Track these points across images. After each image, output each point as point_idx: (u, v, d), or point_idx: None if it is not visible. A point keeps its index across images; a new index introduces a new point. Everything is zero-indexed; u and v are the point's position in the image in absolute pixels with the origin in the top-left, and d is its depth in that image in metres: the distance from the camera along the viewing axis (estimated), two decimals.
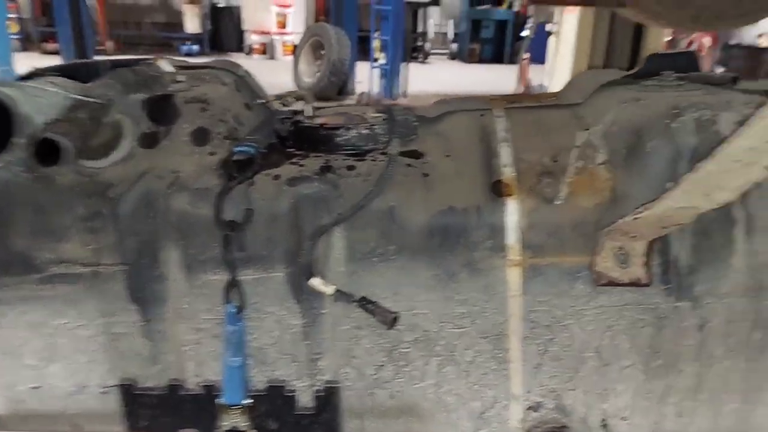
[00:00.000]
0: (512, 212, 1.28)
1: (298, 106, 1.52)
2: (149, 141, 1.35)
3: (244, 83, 1.59)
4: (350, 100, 10.07)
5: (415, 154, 1.38)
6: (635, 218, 1.13)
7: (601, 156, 1.31)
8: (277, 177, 1.31)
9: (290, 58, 12.92)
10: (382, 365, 1.35)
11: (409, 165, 1.34)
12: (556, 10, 4.67)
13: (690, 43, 9.52)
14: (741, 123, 1.23)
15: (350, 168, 1.33)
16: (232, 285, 1.29)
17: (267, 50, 14.48)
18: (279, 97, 1.49)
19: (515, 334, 1.31)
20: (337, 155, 1.37)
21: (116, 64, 1.40)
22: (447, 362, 1.34)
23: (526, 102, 1.55)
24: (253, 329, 1.34)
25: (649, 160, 1.26)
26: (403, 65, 10.60)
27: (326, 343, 1.35)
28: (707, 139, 1.23)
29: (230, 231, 1.27)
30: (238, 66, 1.69)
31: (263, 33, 14.42)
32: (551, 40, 4.85)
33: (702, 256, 1.27)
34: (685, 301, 1.29)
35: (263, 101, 1.50)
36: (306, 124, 1.44)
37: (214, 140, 1.38)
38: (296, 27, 14.14)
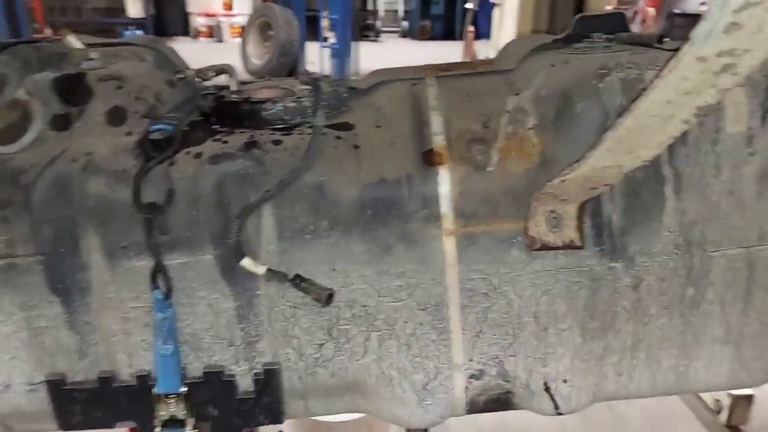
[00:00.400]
0: (444, 181, 1.26)
1: (221, 80, 1.46)
2: (61, 123, 1.28)
3: (166, 60, 1.53)
4: None
5: (346, 126, 1.34)
6: (562, 180, 1.12)
7: (531, 120, 1.29)
8: (198, 155, 1.26)
9: (238, 40, 12.67)
10: (323, 344, 1.32)
11: (339, 137, 1.31)
12: None
13: (635, 14, 9.66)
14: None
15: (276, 143, 1.29)
16: (158, 270, 1.24)
17: (214, 33, 14.15)
18: (199, 72, 1.43)
19: (454, 304, 1.30)
20: (262, 130, 1.32)
21: (20, 42, 1.32)
22: (388, 336, 1.32)
23: (460, 70, 1.53)
24: (184, 315, 1.29)
25: (578, 121, 1.25)
26: (354, 44, 10.50)
27: (263, 325, 1.31)
28: (634, 98, 1.22)
29: (151, 214, 1.21)
30: (160, 42, 1.62)
31: (209, 15, 14.08)
32: (495, 12, 4.85)
33: (634, 216, 1.27)
34: (619, 261, 1.29)
35: (186, 77, 1.44)
36: (230, 99, 1.39)
37: (131, 120, 1.32)
38: (243, 8, 13.85)
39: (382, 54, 12.57)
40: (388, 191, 1.25)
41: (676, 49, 1.29)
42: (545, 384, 1.36)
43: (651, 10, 9.81)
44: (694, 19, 9.89)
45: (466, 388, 1.37)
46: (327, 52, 10.44)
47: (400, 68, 1.61)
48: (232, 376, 1.33)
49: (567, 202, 1.23)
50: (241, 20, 13.74)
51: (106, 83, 1.33)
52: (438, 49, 13.31)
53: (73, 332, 1.30)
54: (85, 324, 1.30)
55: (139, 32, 13.60)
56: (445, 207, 1.26)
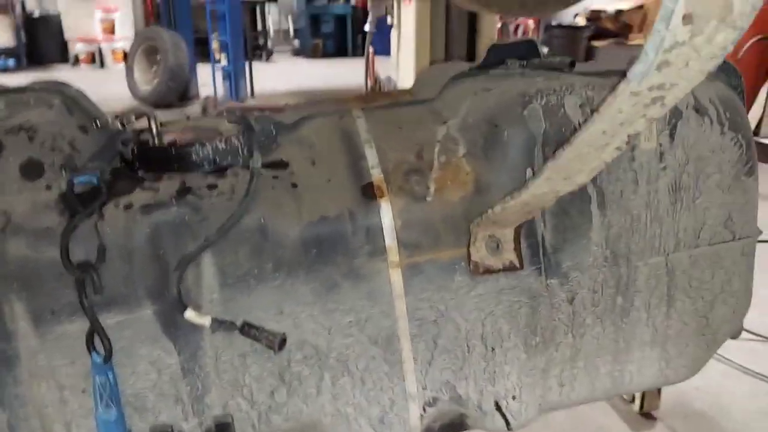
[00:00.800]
0: (386, 214, 1.27)
1: (141, 124, 1.39)
2: None
3: (76, 103, 1.44)
4: (195, 105, 9.66)
5: (280, 165, 1.32)
6: (503, 207, 1.17)
7: (461, 149, 1.34)
8: (128, 206, 1.20)
9: (122, 65, 12.13)
10: (275, 389, 1.29)
11: (275, 177, 1.29)
12: (394, 3, 4.81)
13: (516, 27, 10.19)
14: (583, 105, 1.32)
15: (211, 187, 1.25)
16: (95, 332, 1.16)
17: (95, 59, 13.47)
18: (118, 117, 1.36)
19: (404, 335, 1.31)
20: (194, 174, 1.28)
21: None
22: (341, 374, 1.31)
23: (381, 100, 1.55)
24: (125, 376, 1.22)
25: (506, 148, 1.30)
26: (246, 65, 10.35)
27: (210, 377, 1.26)
28: (556, 122, 1.30)
29: (82, 273, 1.14)
30: (65, 85, 1.53)
31: (89, 41, 13.38)
32: (393, 33, 4.97)
33: (564, 235, 1.34)
34: (554, 278, 1.36)
35: (101, 121, 1.36)
36: (155, 144, 1.33)
37: (49, 172, 1.23)
38: (125, 32, 13.29)
39: (277, 74, 12.46)
40: (331, 228, 1.25)
41: (590, 74, 1.37)
42: (496, 403, 1.40)
43: (531, 23, 10.39)
44: (569, 30, 10.55)
45: (421, 416, 1.38)
46: (220, 73, 10.21)
47: (319, 101, 1.61)
48: None
49: (504, 227, 1.28)
50: (123, 45, 13.16)
51: (17, 135, 1.24)
52: (331, 66, 13.39)
53: (1, 407, 1.19)
54: (14, 398, 1.20)
55: (11, 62, 12.68)
56: (389, 239, 1.27)
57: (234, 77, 10.20)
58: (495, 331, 1.35)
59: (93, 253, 1.15)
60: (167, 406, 1.26)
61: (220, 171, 1.30)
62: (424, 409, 1.38)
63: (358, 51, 15.01)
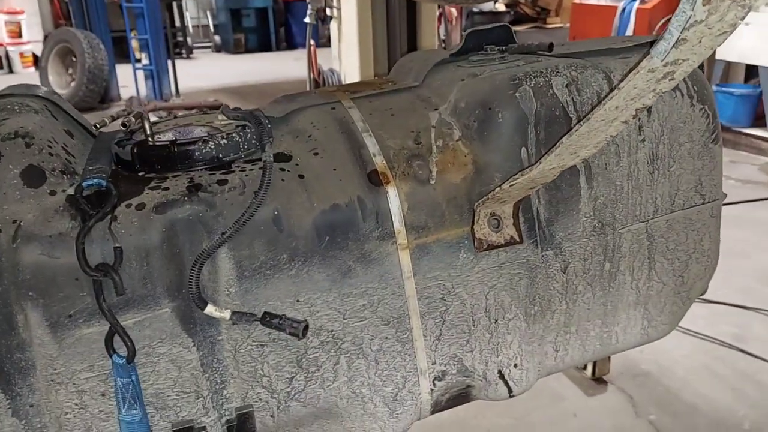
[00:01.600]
0: (393, 199, 1.31)
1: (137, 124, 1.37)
2: None
3: (55, 106, 1.41)
4: (119, 107, 9.31)
5: (284, 157, 1.34)
6: (511, 184, 1.23)
7: (456, 132, 1.39)
8: (141, 206, 1.19)
9: (33, 70, 11.52)
10: (293, 376, 1.31)
11: (282, 169, 1.30)
12: None
13: (440, 15, 10.37)
14: (569, 85, 1.41)
15: (221, 182, 1.25)
16: (115, 333, 1.15)
17: (2, 64, 12.72)
18: (115, 118, 1.34)
19: (414, 313, 1.36)
20: (200, 172, 1.28)
21: None
22: (356, 357, 1.35)
23: (368, 90, 1.58)
24: (145, 375, 1.21)
25: (501, 129, 1.37)
26: (170, 63, 10.05)
27: (229, 370, 1.27)
28: (546, 102, 1.38)
29: (102, 276, 1.12)
30: (37, 87, 1.48)
31: None
32: (332, 24, 4.98)
33: (557, 207, 1.43)
34: (549, 249, 1.44)
35: (101, 126, 1.34)
36: (154, 143, 1.32)
37: (50, 178, 1.20)
38: (34, 35, 12.63)
39: (199, 71, 12.15)
40: (343, 215, 1.28)
41: (570, 55, 1.46)
42: (499, 372, 1.48)
43: (454, 10, 10.58)
44: (491, 15, 10.83)
45: (431, 390, 1.44)
46: (141, 73, 9.87)
47: (305, 93, 1.63)
48: (204, 428, 1.28)
49: (505, 203, 1.35)
50: (32, 48, 12.52)
51: (13, 142, 1.20)
52: (257, 62, 13.14)
53: (18, 418, 1.16)
54: (29, 407, 1.17)
55: None
56: (397, 223, 1.31)
57: (157, 76, 9.90)
58: (497, 304, 1.42)
59: (109, 256, 1.14)
60: (188, 403, 1.26)
61: (225, 166, 1.30)
62: (434, 384, 1.43)
63: (282, 45, 14.83)
